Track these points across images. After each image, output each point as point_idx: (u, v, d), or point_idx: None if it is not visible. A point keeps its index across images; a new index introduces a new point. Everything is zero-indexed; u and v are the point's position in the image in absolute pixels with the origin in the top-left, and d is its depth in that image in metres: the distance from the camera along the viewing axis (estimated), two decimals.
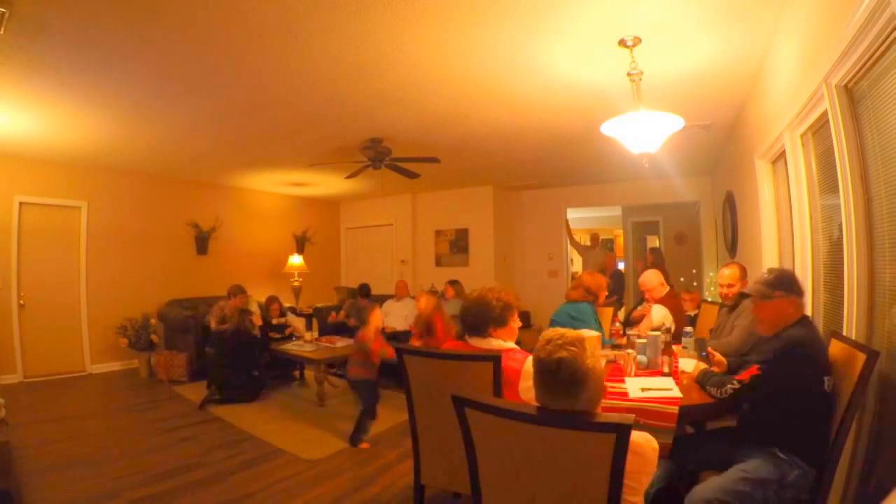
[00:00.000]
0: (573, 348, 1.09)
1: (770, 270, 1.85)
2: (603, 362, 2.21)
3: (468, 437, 1.21)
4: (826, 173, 2.15)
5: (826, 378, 1.51)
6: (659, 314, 3.21)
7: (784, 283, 1.72)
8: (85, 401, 4.44)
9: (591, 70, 2.95)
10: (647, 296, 3.57)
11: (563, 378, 1.07)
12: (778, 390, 1.52)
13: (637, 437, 1.07)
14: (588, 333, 2.15)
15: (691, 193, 6.51)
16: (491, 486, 1.23)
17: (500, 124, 4.11)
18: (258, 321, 4.73)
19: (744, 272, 2.71)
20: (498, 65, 2.89)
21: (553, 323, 3.07)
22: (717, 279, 3.14)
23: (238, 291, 4.80)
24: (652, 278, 3.48)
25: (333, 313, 5.84)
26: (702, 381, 1.87)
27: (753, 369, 1.59)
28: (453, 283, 5.69)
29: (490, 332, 1.81)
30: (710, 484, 1.52)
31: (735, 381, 1.65)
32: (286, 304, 5.85)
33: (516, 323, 1.88)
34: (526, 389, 1.66)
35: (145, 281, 5.92)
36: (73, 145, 4.54)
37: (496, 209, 7.34)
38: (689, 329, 2.79)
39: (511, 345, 1.83)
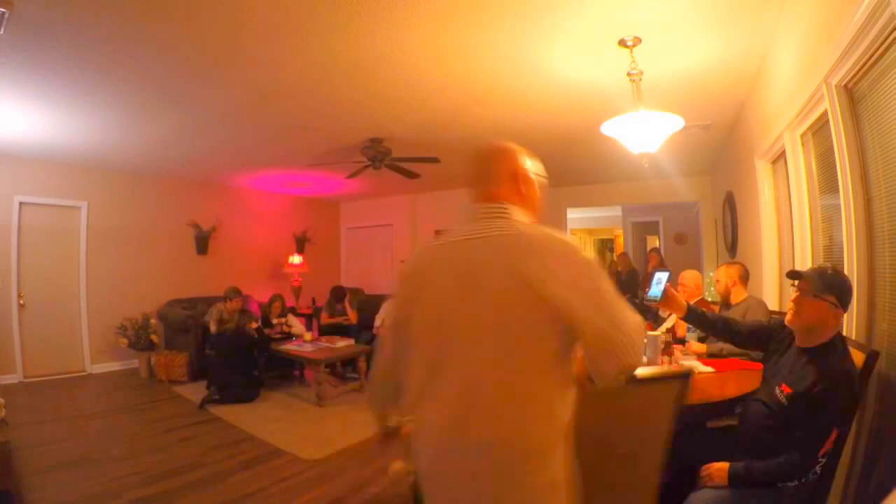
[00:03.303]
0: None
1: (833, 269, 1.54)
2: None
3: None
4: (826, 173, 2.15)
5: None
6: None
7: (839, 288, 1.47)
8: (85, 401, 4.44)
9: (591, 70, 2.95)
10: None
11: None
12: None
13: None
14: None
15: (691, 193, 6.51)
16: None
17: (500, 124, 4.10)
18: (252, 323, 4.72)
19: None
20: (498, 64, 2.89)
21: None
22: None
23: (234, 294, 4.80)
24: (694, 280, 3.20)
25: (324, 314, 5.83)
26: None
27: (833, 435, 1.37)
28: None
29: None
30: (709, 493, 1.52)
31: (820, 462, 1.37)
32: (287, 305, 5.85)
33: None
34: None
35: (145, 281, 5.92)
36: (73, 145, 4.54)
37: None
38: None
39: None
